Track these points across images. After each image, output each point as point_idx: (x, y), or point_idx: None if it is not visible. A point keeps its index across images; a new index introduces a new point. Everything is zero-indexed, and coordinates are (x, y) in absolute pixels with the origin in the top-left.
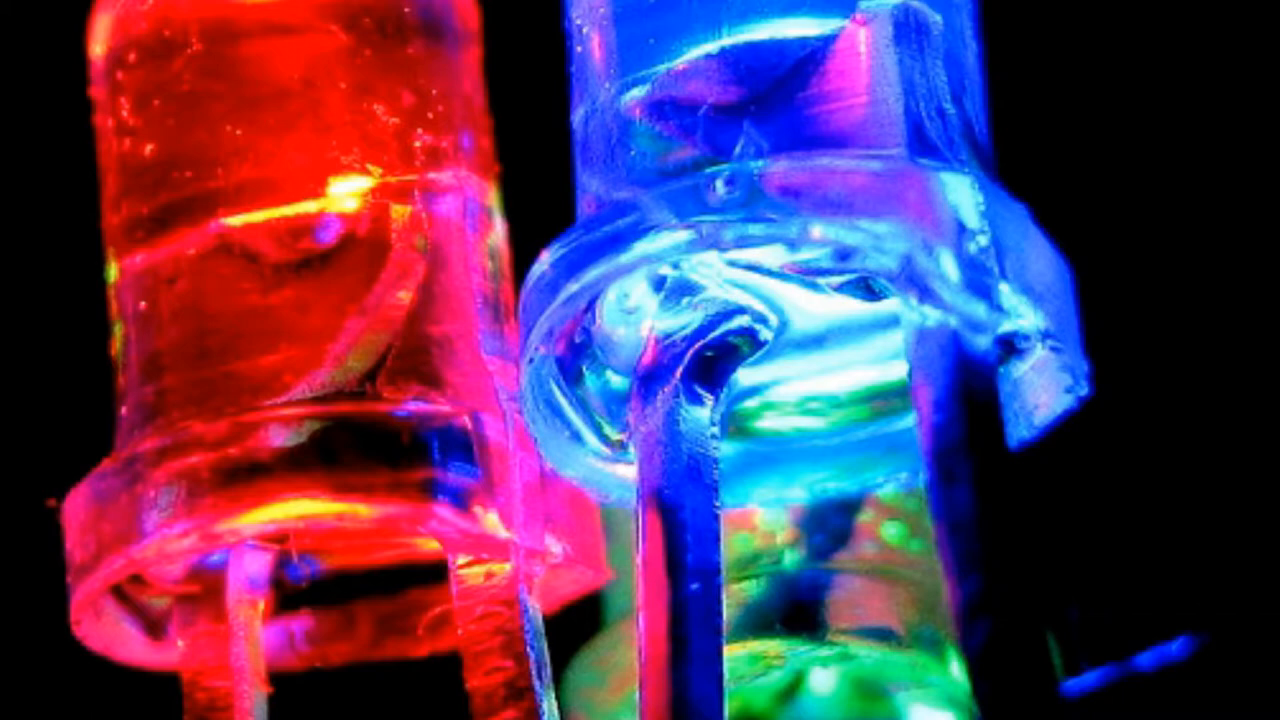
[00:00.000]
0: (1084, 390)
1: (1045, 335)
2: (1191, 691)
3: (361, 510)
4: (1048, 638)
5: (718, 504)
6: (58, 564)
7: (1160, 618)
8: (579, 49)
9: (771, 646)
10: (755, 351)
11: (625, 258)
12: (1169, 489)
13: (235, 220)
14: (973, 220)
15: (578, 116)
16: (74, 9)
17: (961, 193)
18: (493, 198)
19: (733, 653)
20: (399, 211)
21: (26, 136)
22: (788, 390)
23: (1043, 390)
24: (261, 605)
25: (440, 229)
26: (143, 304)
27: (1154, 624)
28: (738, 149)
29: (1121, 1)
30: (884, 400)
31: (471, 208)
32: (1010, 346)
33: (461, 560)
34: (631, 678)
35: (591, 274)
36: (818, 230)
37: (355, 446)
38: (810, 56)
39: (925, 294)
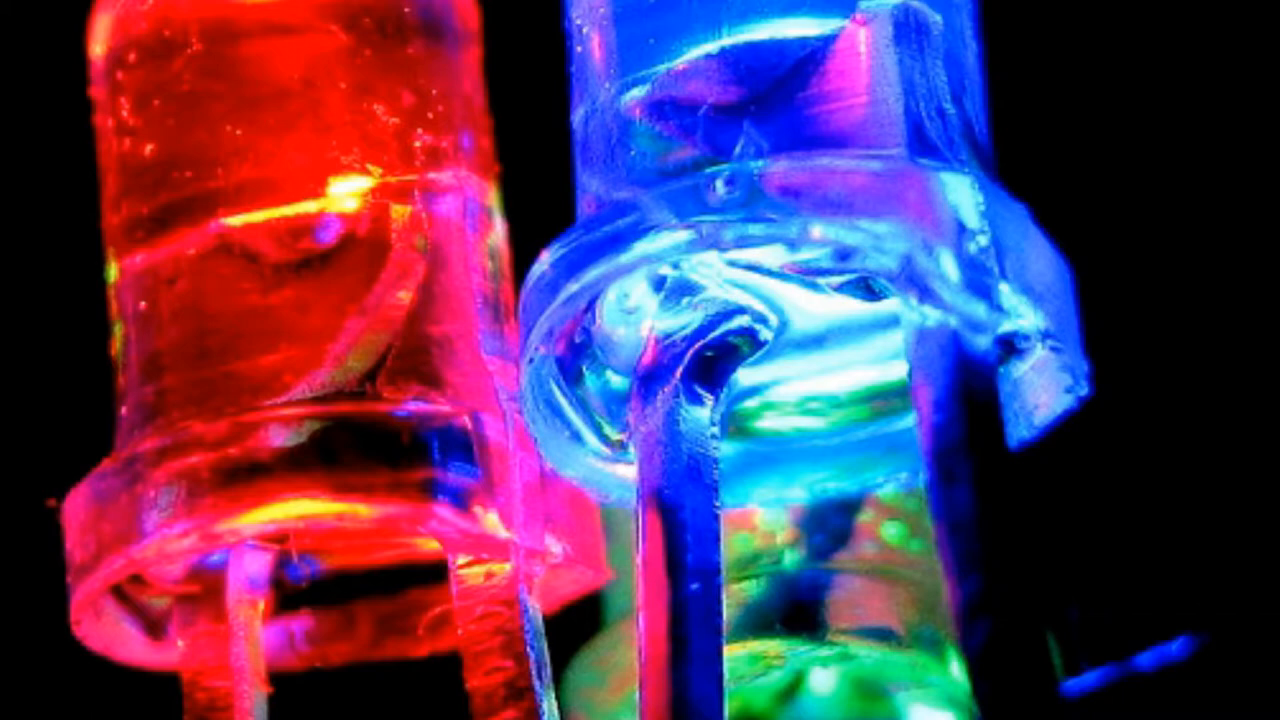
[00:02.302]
0: (1084, 390)
1: (1045, 335)
2: (1191, 691)
3: (361, 510)
4: (1048, 638)
5: (718, 504)
6: (58, 564)
7: (1160, 618)
8: (579, 49)
9: (771, 646)
10: (755, 351)
11: (625, 258)
12: (1169, 489)
13: (235, 220)
14: (973, 220)
15: (578, 116)
16: (74, 9)
17: (961, 193)
18: (493, 198)
19: (733, 653)
20: (399, 211)
21: (27, 136)
22: (788, 390)
23: (1043, 390)
24: (261, 605)
25: (440, 229)
26: (143, 304)
27: (1154, 624)
28: (738, 149)
29: (1121, 1)
30: (884, 400)
31: (471, 208)
32: (1010, 346)
33: (461, 560)
34: (631, 678)
35: (591, 274)
36: (818, 230)
37: (355, 446)
38: (810, 56)
39: (925, 294)
